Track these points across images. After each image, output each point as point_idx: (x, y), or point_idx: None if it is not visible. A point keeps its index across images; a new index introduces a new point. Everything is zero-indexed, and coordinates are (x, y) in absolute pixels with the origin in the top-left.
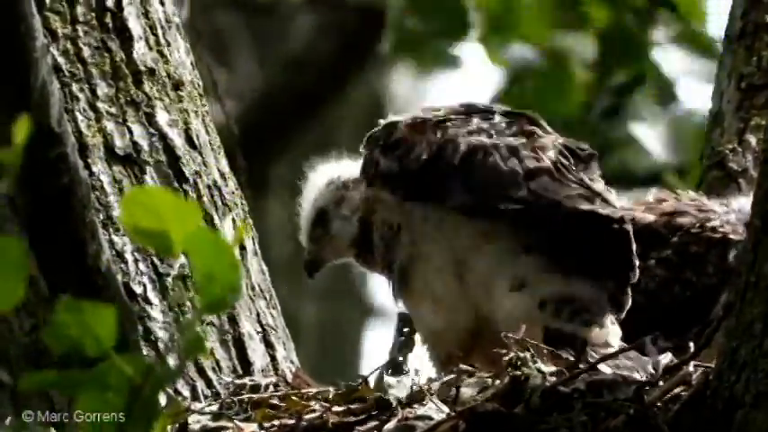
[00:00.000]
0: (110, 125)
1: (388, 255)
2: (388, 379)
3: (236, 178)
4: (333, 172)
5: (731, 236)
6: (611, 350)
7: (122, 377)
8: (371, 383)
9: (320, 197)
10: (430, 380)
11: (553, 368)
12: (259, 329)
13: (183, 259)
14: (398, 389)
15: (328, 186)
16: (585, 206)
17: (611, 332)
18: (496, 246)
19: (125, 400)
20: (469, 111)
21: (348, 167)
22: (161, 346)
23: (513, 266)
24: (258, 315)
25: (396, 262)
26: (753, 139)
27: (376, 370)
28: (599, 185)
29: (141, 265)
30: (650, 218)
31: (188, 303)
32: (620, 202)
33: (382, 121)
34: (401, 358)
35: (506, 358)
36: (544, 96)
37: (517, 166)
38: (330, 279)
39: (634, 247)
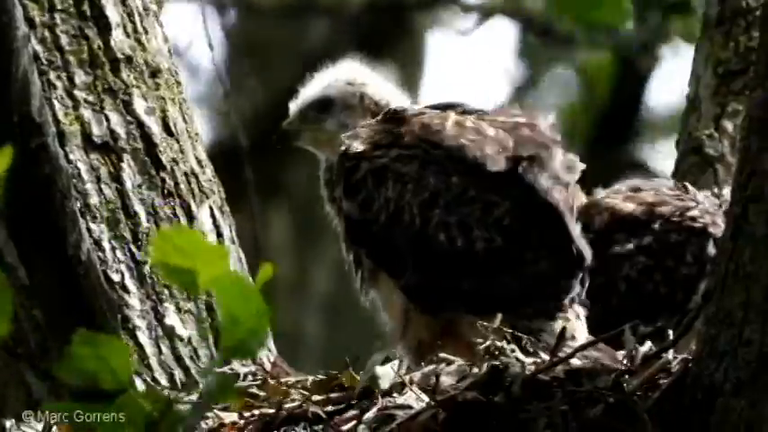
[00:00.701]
0: (87, 113)
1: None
2: (379, 369)
3: (245, 189)
4: (358, 76)
5: (710, 228)
6: (578, 343)
7: (140, 412)
8: (365, 373)
9: (335, 87)
10: (409, 369)
11: (531, 357)
12: None
13: None
14: (385, 379)
15: (348, 85)
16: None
17: (576, 327)
18: None
19: None
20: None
21: (376, 83)
22: (138, 334)
23: None
24: None
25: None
26: (729, 125)
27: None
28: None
29: (119, 253)
30: (631, 207)
31: (166, 292)
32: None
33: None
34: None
35: (483, 347)
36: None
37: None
38: (333, 295)
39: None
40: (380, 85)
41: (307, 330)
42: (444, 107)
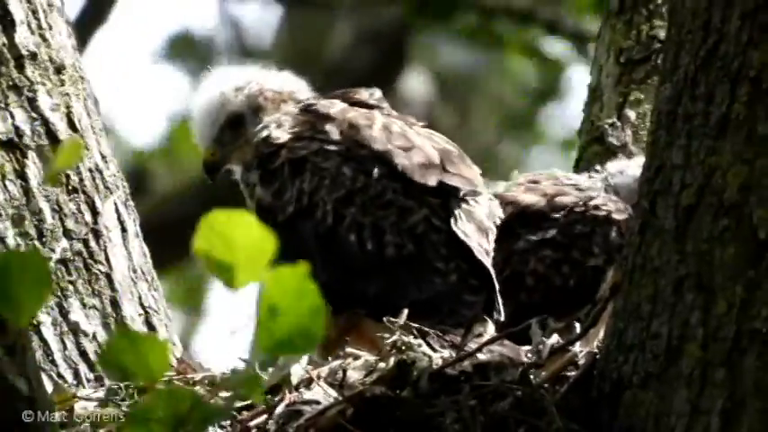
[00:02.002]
0: None
1: None
2: (289, 365)
3: None
4: (239, 78)
5: (614, 214)
6: (486, 337)
7: (168, 409)
8: (275, 369)
9: (231, 101)
10: (316, 364)
11: (439, 352)
12: (141, 312)
13: (65, 243)
14: (294, 375)
15: (238, 91)
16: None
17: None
18: None
19: None
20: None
21: (260, 75)
22: (43, 329)
23: None
24: (140, 297)
25: None
26: (632, 114)
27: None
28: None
29: (24, 250)
30: (533, 199)
31: (71, 288)
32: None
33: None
34: None
35: (389, 341)
36: None
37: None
38: None
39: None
40: (271, 75)
41: None
42: (343, 95)
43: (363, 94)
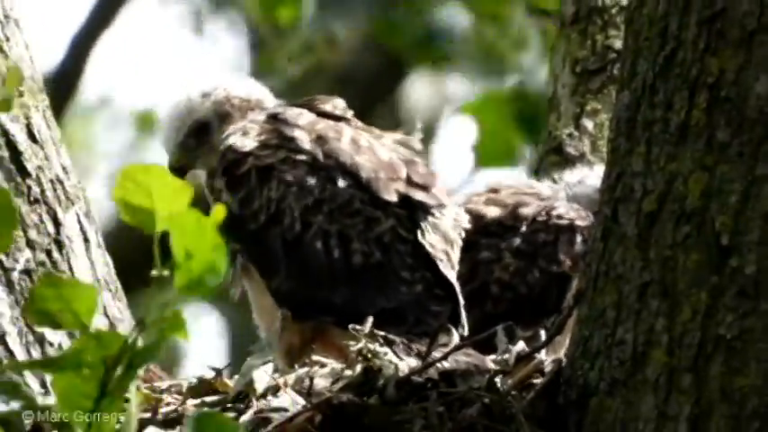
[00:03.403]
0: None
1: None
2: (254, 372)
3: None
4: (206, 84)
5: (577, 222)
6: (452, 344)
7: (98, 353)
8: (241, 376)
9: (198, 109)
10: (283, 371)
11: (405, 359)
12: (105, 322)
13: (28, 253)
14: (260, 382)
15: (205, 98)
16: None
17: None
18: None
19: (100, 377)
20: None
21: (227, 81)
22: (8, 340)
23: None
24: (104, 308)
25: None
26: (589, 124)
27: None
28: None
29: None
30: (494, 211)
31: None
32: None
33: (236, 142)
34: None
35: (355, 349)
36: None
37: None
38: None
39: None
40: (238, 82)
41: None
42: (307, 104)
43: (328, 104)
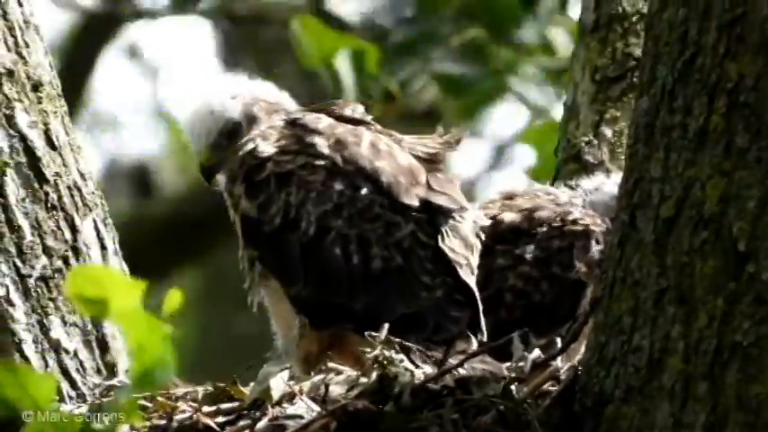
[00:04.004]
0: None
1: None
2: (271, 380)
3: None
4: (234, 86)
5: (592, 227)
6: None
7: None
8: (257, 384)
9: (229, 108)
10: (299, 379)
11: (421, 367)
12: None
13: (44, 260)
14: (276, 390)
15: (236, 99)
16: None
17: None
18: None
19: None
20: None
21: (253, 84)
22: (24, 347)
23: None
24: None
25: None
26: (608, 132)
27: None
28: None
29: (3, 267)
30: (510, 216)
31: (51, 305)
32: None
33: (257, 147)
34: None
35: (370, 356)
36: None
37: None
38: None
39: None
40: (263, 87)
41: None
42: (326, 109)
43: (347, 109)
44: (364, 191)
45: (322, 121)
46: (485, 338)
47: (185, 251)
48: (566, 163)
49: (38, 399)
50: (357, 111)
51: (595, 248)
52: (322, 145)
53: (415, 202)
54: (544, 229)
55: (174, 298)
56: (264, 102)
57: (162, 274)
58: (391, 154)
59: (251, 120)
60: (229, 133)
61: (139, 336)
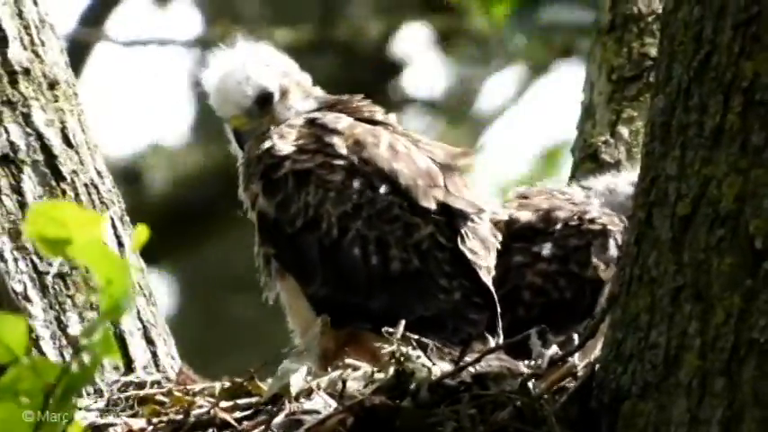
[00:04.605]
0: None
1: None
2: (294, 376)
3: None
4: (267, 56)
5: (610, 226)
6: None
7: (35, 381)
8: (276, 379)
9: (262, 76)
10: (316, 374)
11: (438, 363)
12: (139, 326)
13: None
14: (295, 386)
15: (269, 68)
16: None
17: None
18: None
19: (39, 405)
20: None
21: (286, 60)
22: (42, 344)
23: None
24: (138, 312)
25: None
26: (625, 131)
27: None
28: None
29: (21, 264)
30: (527, 215)
31: (69, 302)
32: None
33: (274, 145)
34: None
35: (386, 351)
36: None
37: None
38: None
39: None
40: (291, 62)
41: None
42: (345, 107)
43: (366, 108)
44: (383, 192)
45: (341, 122)
46: (501, 341)
47: (176, 242)
48: (582, 162)
49: (11, 345)
50: (376, 110)
51: (613, 247)
52: (340, 145)
53: (433, 205)
54: (561, 227)
55: (140, 235)
56: (296, 75)
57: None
58: (409, 156)
59: (284, 92)
60: (263, 101)
61: (104, 270)
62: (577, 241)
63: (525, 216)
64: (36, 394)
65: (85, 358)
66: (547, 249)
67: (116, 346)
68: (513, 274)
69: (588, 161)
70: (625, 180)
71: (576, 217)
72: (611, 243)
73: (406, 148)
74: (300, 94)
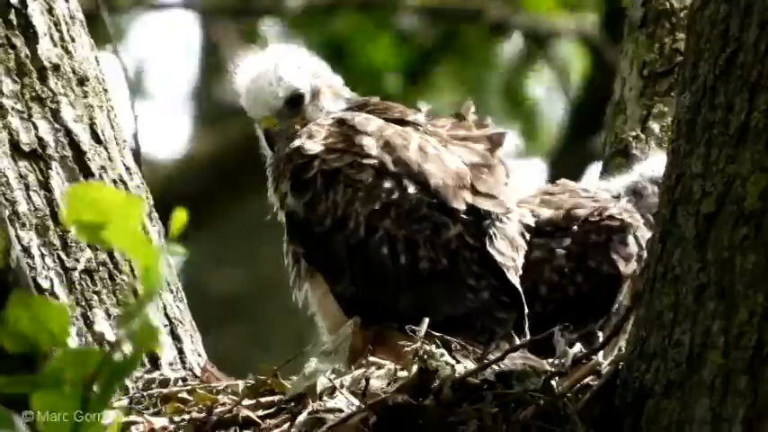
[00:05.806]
0: (15, 121)
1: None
2: (322, 375)
3: None
4: (298, 58)
5: (630, 222)
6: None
7: (77, 371)
8: (301, 378)
9: (294, 77)
10: (340, 373)
11: (461, 361)
12: (166, 322)
13: (89, 253)
14: (318, 384)
15: (300, 69)
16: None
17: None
18: None
19: (80, 394)
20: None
21: (317, 62)
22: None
23: None
24: (165, 308)
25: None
26: (656, 127)
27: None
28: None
29: (48, 260)
30: (548, 212)
31: (95, 298)
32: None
33: (303, 145)
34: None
35: (410, 349)
36: None
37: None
38: None
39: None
40: (322, 64)
41: None
42: (375, 109)
43: (396, 109)
44: (412, 191)
45: (371, 123)
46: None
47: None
48: (613, 157)
49: (54, 331)
50: (406, 111)
51: (633, 243)
52: (370, 146)
53: (462, 206)
54: (580, 224)
55: (178, 219)
56: (328, 78)
57: None
58: (439, 157)
59: (315, 94)
60: (294, 102)
61: (141, 258)
62: (596, 237)
63: (546, 212)
64: (78, 383)
65: (126, 348)
66: (565, 245)
67: (158, 336)
68: (531, 269)
69: (619, 156)
70: (646, 175)
71: (596, 213)
72: (631, 239)
73: (435, 149)
74: (331, 95)
